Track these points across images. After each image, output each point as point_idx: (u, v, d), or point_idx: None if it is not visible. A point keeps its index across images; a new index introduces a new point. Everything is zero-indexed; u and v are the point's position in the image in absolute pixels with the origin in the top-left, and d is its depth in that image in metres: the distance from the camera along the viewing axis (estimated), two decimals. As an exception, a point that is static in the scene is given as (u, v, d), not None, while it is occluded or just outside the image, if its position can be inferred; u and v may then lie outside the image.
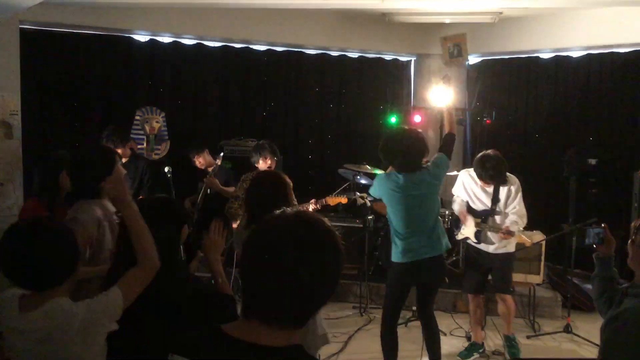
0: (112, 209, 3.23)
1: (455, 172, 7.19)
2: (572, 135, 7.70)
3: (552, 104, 7.86)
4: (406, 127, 5.30)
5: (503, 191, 5.08)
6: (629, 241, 2.60)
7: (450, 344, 5.64)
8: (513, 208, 5.04)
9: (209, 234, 2.67)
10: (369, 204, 6.53)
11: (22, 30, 6.44)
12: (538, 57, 7.99)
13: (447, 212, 7.28)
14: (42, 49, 6.86)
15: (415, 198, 4.34)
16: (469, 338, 5.67)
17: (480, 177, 5.02)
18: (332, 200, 5.67)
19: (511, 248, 5.22)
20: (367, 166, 6.97)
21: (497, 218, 5.11)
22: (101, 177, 2.94)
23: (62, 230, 2.30)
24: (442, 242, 4.48)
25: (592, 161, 7.27)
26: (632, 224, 2.66)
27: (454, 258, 7.29)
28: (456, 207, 5.40)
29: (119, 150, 5.63)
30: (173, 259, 2.50)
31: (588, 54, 7.68)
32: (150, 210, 2.52)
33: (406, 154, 4.32)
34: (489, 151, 5.07)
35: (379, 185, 4.53)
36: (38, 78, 6.82)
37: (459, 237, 5.45)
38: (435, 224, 4.48)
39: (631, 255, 2.58)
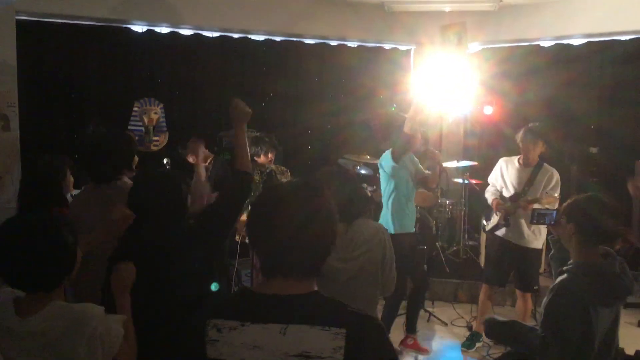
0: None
1: (455, 162, 7.20)
2: (573, 124, 7.65)
3: (553, 92, 7.80)
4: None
5: (542, 177, 5.01)
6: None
7: (452, 334, 5.64)
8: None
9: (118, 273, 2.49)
10: (369, 194, 6.51)
11: (18, 21, 6.40)
12: (539, 46, 7.94)
13: (447, 201, 7.29)
14: (39, 40, 6.82)
15: None
16: (470, 328, 5.66)
17: (523, 141, 5.03)
18: (332, 191, 5.63)
19: (538, 245, 5.12)
20: (367, 156, 6.94)
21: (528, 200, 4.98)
22: (122, 166, 3.29)
23: (62, 226, 2.12)
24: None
25: (594, 149, 7.24)
26: (562, 207, 2.82)
27: (455, 248, 7.28)
28: (489, 196, 5.32)
29: None
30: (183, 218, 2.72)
31: (589, 42, 7.62)
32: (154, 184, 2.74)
33: None
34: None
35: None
36: (35, 69, 6.77)
37: (488, 227, 5.37)
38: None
39: (560, 234, 2.80)
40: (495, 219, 5.23)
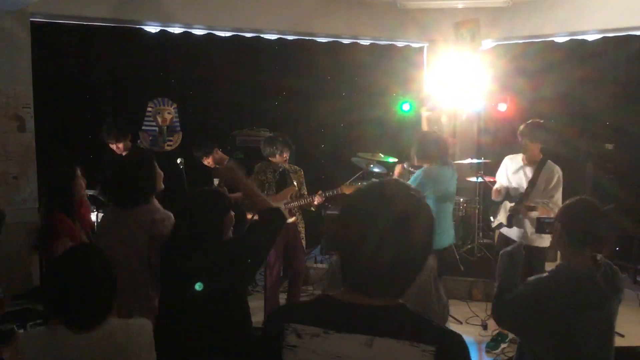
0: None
1: (469, 160, 7.16)
2: (589, 120, 7.58)
3: (567, 88, 7.73)
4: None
5: (544, 176, 4.99)
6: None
7: (466, 332, 5.61)
8: (551, 197, 4.93)
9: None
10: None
11: (32, 23, 6.44)
12: (553, 41, 7.87)
13: (461, 199, 7.25)
14: (53, 42, 6.88)
15: None
16: (484, 326, 5.63)
17: (530, 140, 5.02)
18: (347, 189, 5.62)
19: (542, 243, 5.08)
20: (380, 154, 6.92)
21: (531, 202, 4.98)
22: (146, 191, 3.28)
23: (106, 257, 2.22)
24: None
25: (609, 146, 7.17)
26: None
27: (469, 246, 7.25)
28: (495, 190, 5.33)
29: (120, 144, 5.60)
30: (220, 240, 2.85)
31: (604, 38, 7.55)
32: (198, 201, 2.88)
33: None
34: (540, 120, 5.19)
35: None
36: (49, 71, 6.83)
37: (494, 224, 5.38)
38: None
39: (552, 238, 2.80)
40: (500, 215, 5.23)
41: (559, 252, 4.83)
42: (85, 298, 2.07)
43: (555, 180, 4.97)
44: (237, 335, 2.71)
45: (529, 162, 5.09)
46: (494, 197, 5.24)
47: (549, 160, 5.06)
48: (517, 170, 5.16)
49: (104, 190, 3.73)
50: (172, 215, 3.25)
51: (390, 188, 1.53)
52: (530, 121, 5.11)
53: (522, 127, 5.07)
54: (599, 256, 2.66)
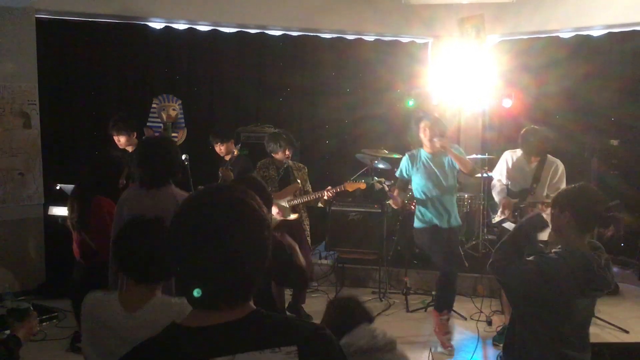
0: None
1: (474, 156, 7.15)
2: (594, 116, 7.56)
3: (573, 84, 7.71)
4: None
5: (547, 170, 5.03)
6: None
7: (471, 328, 5.61)
8: (557, 190, 4.93)
9: None
10: (387, 189, 6.50)
11: (38, 19, 6.46)
12: (558, 37, 7.85)
13: (465, 195, 7.24)
14: (58, 39, 6.89)
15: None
16: (489, 322, 5.64)
17: (525, 151, 5.09)
18: (351, 186, 5.63)
19: (543, 237, 5.08)
20: (385, 150, 6.92)
21: (537, 198, 4.99)
22: (171, 172, 3.54)
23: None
24: None
25: (614, 142, 7.15)
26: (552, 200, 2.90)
27: (474, 242, 7.24)
28: (496, 195, 5.32)
29: (121, 138, 5.61)
30: None
31: (609, 33, 7.52)
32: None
33: None
34: (535, 126, 5.20)
35: None
36: (55, 67, 6.85)
37: (496, 219, 5.37)
38: None
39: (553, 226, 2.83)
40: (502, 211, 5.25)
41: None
42: (149, 259, 2.24)
43: (559, 173, 5.04)
44: None
45: (528, 158, 5.12)
46: (504, 210, 5.16)
47: (548, 155, 5.10)
48: (518, 166, 5.18)
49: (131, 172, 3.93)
50: None
51: (209, 192, 1.49)
52: (523, 131, 5.16)
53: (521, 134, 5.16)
54: (597, 243, 2.76)
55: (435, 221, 5.17)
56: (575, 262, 2.61)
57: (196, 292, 1.35)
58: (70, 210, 4.15)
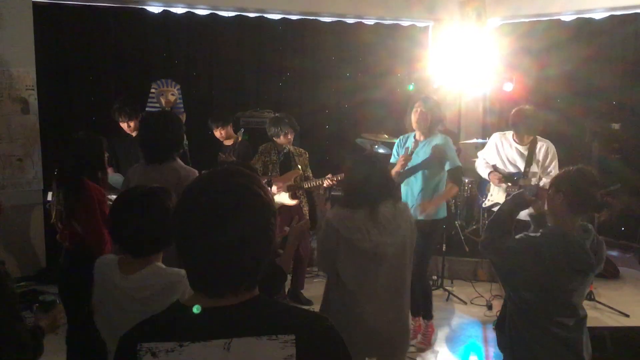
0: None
1: (474, 140, 7.13)
2: (595, 100, 7.52)
3: (574, 67, 7.66)
4: None
5: (540, 153, 5.00)
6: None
7: (471, 312, 5.63)
8: (549, 172, 4.92)
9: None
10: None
11: (34, 4, 6.40)
12: (560, 20, 7.79)
13: (465, 180, 7.22)
14: (55, 23, 6.83)
15: None
16: (489, 307, 5.64)
17: (519, 131, 5.03)
18: (350, 171, 5.60)
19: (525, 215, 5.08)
20: (385, 135, 6.89)
21: (530, 181, 4.99)
22: (175, 147, 3.58)
23: (166, 200, 2.35)
24: None
25: (615, 126, 7.11)
26: (552, 178, 2.94)
27: (474, 227, 7.23)
28: (483, 170, 5.30)
29: (130, 123, 5.58)
30: None
31: (611, 16, 7.47)
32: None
33: None
34: (526, 106, 5.12)
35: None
36: (52, 52, 6.79)
37: (487, 204, 5.35)
38: None
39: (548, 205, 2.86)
40: (494, 193, 5.22)
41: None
42: (142, 231, 2.25)
43: (551, 154, 5.00)
44: None
45: (521, 141, 5.09)
46: (496, 184, 5.18)
47: (537, 137, 5.08)
48: (509, 149, 5.14)
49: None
50: (196, 171, 3.60)
51: (216, 177, 1.47)
52: (514, 111, 5.09)
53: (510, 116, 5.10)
54: (589, 225, 2.78)
55: None
56: (555, 242, 2.66)
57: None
58: (57, 202, 3.97)
